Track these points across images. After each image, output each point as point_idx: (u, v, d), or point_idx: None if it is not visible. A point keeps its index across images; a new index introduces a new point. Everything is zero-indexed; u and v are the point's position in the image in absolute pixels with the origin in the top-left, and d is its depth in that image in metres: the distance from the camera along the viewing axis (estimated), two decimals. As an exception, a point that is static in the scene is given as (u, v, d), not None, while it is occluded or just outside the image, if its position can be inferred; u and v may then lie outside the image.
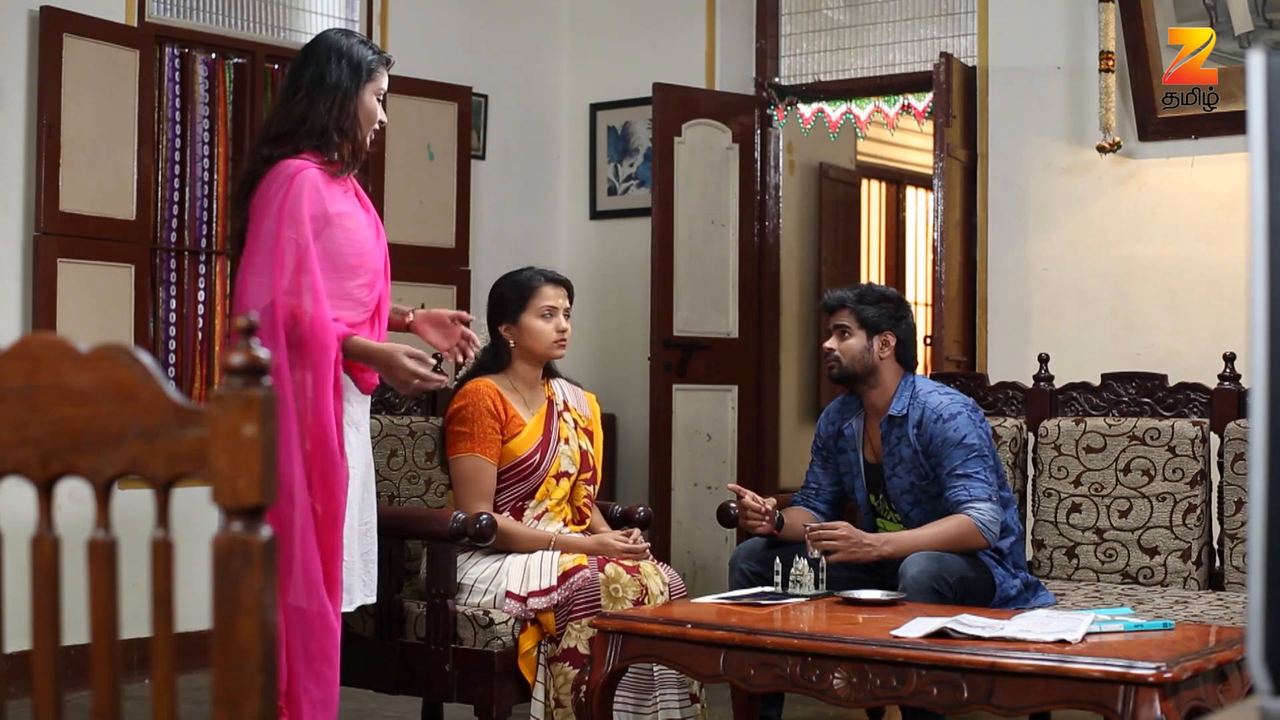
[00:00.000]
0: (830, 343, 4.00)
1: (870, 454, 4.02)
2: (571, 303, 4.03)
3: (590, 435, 4.07)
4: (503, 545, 3.82)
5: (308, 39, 4.89)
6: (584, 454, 4.02)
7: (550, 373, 4.08)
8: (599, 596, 3.66)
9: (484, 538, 3.73)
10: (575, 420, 4.04)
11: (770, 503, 3.94)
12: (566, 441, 3.98)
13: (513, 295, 3.98)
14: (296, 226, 3.31)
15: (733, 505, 4.14)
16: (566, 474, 3.96)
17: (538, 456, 3.91)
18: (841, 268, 8.36)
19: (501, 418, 3.88)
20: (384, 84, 3.52)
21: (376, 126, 3.52)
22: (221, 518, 1.26)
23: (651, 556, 3.93)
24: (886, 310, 3.99)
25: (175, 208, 5.64)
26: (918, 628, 3.06)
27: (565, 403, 4.05)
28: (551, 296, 3.96)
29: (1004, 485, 3.97)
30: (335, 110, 3.42)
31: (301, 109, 3.42)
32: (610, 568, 3.73)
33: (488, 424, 3.85)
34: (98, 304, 5.24)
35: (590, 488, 4.04)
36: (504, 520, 3.83)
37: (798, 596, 3.58)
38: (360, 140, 3.48)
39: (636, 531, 3.96)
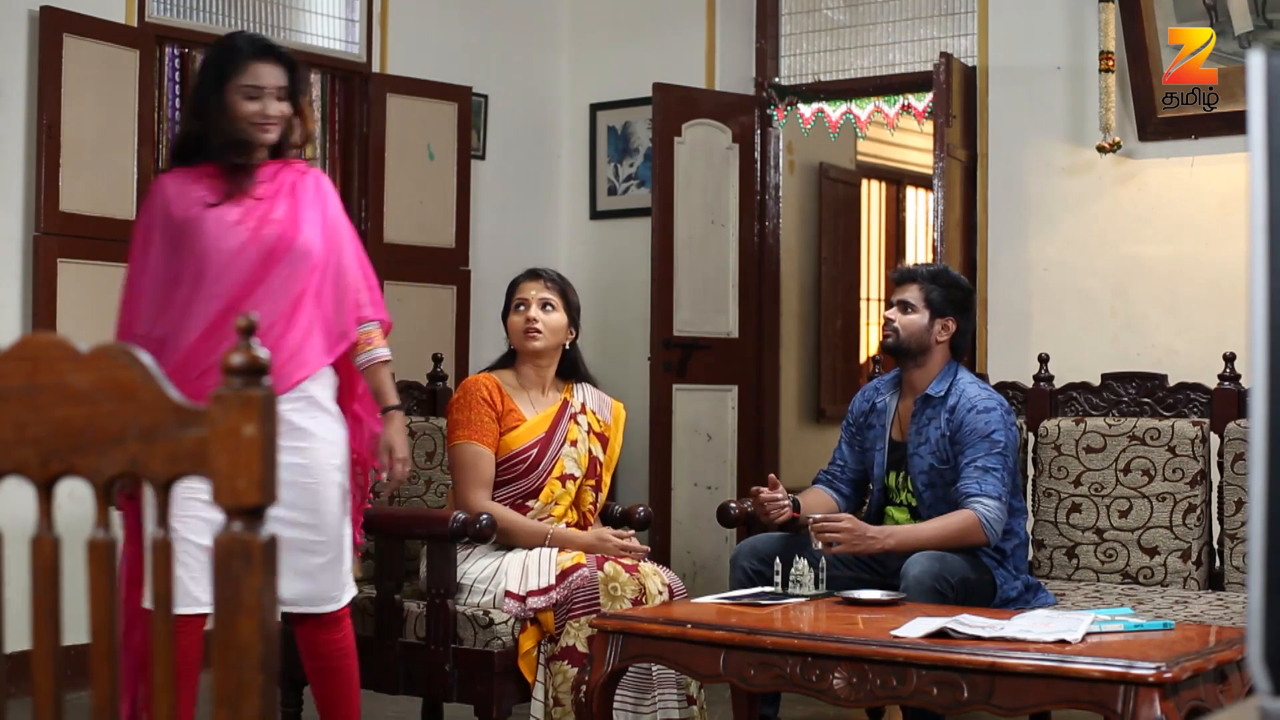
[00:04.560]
0: (891, 313, 4.01)
1: (897, 432, 4.03)
2: (564, 296, 3.98)
3: (604, 441, 4.06)
4: (501, 538, 3.82)
5: (308, 39, 4.85)
6: (593, 459, 4.01)
7: (576, 376, 4.07)
8: (598, 595, 3.66)
9: (484, 538, 3.73)
10: (590, 424, 4.03)
11: (783, 490, 3.93)
12: (574, 444, 3.97)
13: (506, 296, 4.02)
14: (140, 247, 3.27)
15: (733, 506, 4.14)
16: (572, 476, 3.96)
17: (535, 452, 3.90)
18: (841, 268, 8.36)
19: (498, 408, 3.88)
20: (257, 79, 3.29)
21: (264, 120, 3.29)
22: (222, 518, 1.26)
23: (645, 559, 3.92)
24: (955, 297, 4.00)
25: (175, 208, 5.64)
26: (918, 628, 3.06)
27: (583, 404, 4.04)
28: (523, 290, 3.97)
29: (1017, 492, 3.97)
30: (200, 120, 3.30)
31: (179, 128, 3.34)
32: (609, 566, 3.73)
33: (482, 411, 3.86)
34: (98, 304, 5.23)
35: (595, 494, 4.03)
36: (501, 511, 3.82)
37: (798, 596, 3.58)
38: (235, 137, 3.29)
39: (632, 534, 3.95)
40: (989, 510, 3.75)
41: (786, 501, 3.89)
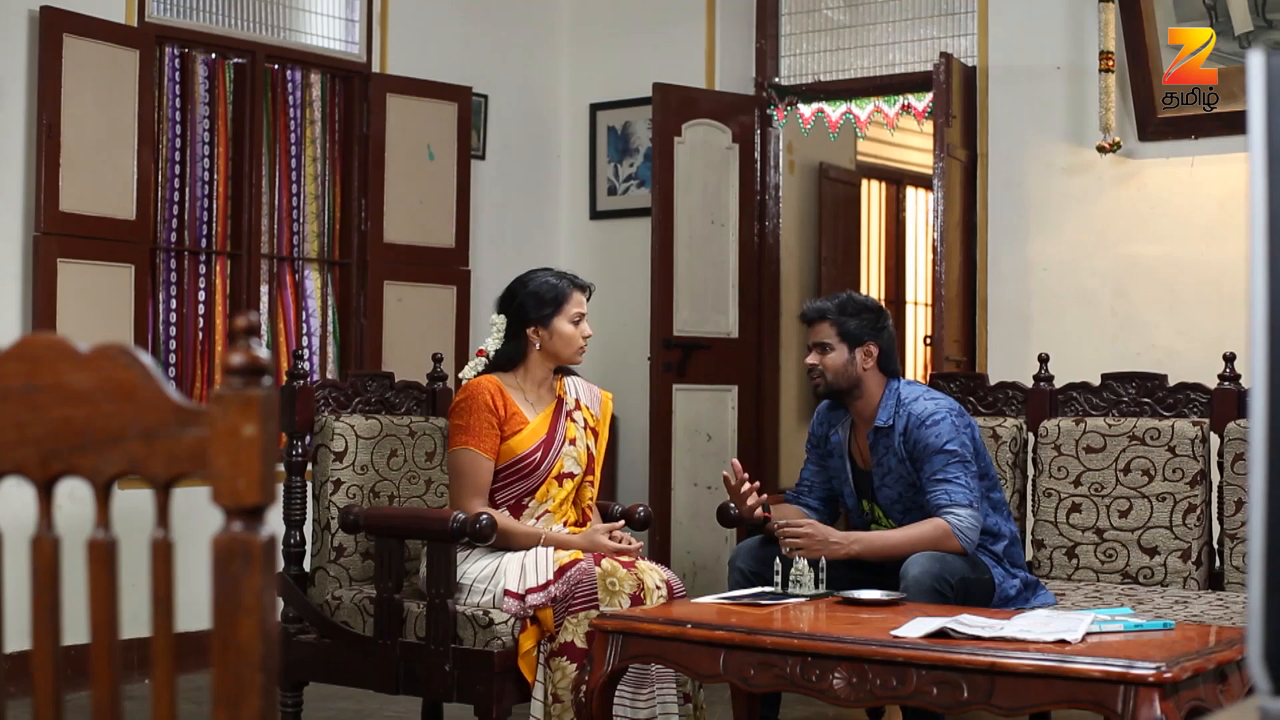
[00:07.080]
0: (812, 358, 3.94)
1: (860, 460, 4.01)
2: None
3: (596, 434, 4.07)
4: (499, 541, 3.82)
5: (308, 39, 4.84)
6: (590, 456, 4.01)
7: (563, 370, 4.07)
8: (596, 590, 3.66)
9: (484, 538, 3.73)
10: (585, 419, 4.03)
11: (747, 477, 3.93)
12: (573, 442, 3.97)
13: (548, 299, 3.93)
14: None
15: (733, 506, 4.14)
16: (570, 475, 3.96)
17: (539, 455, 3.90)
18: (841, 268, 8.35)
19: (500, 414, 3.87)
20: None
21: None
22: (222, 518, 1.26)
23: (644, 556, 3.93)
24: (867, 321, 3.93)
25: (175, 208, 5.64)
26: (918, 628, 3.06)
27: (577, 401, 4.03)
28: (581, 303, 3.97)
29: (996, 487, 3.96)
30: None
31: None
32: (606, 561, 3.73)
33: (484, 419, 3.85)
34: (98, 304, 5.24)
35: (593, 489, 4.04)
36: (498, 516, 3.83)
37: (798, 596, 3.59)
38: None
39: (621, 524, 3.96)
40: (961, 520, 3.72)
41: (756, 485, 3.89)
